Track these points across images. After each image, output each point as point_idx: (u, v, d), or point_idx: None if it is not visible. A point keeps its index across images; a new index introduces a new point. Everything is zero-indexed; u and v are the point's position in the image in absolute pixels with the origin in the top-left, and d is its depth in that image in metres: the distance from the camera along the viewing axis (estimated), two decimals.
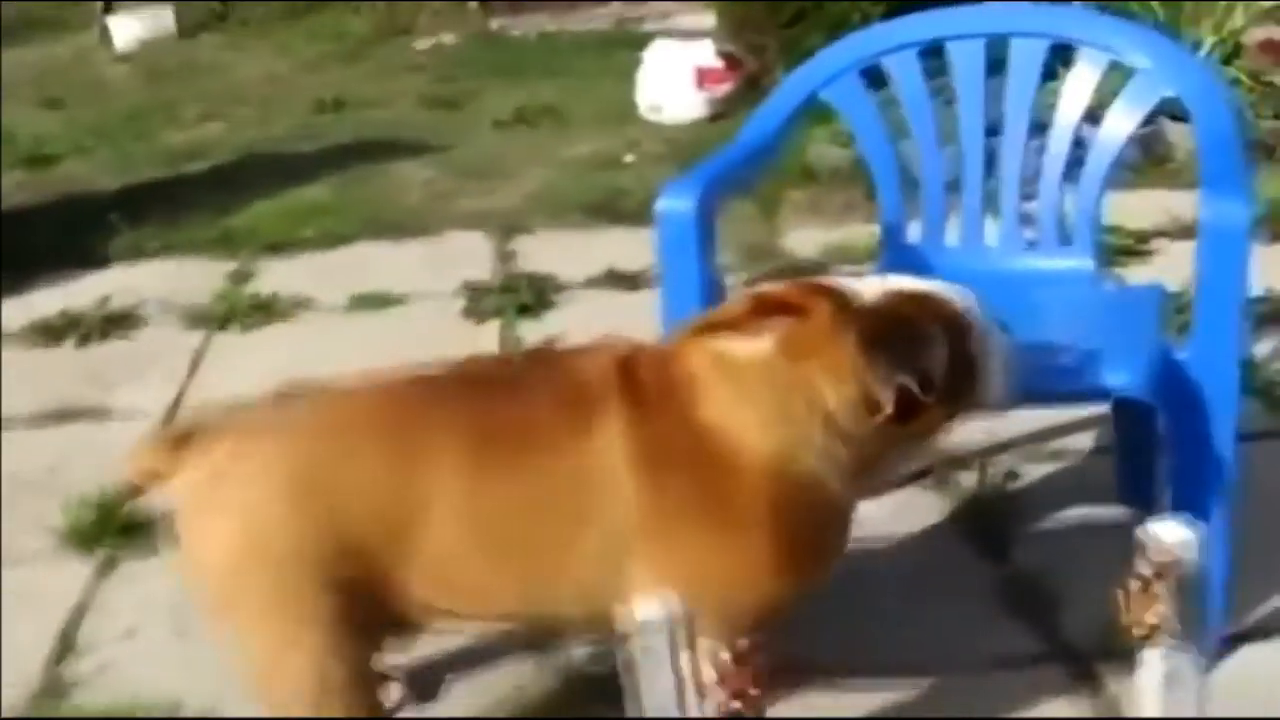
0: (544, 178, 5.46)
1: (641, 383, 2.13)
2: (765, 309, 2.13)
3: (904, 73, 2.86)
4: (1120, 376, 2.40)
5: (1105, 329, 2.58)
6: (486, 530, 2.11)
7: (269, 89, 7.19)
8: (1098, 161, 2.80)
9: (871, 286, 2.14)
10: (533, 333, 4.08)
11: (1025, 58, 2.82)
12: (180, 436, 2.17)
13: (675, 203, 2.58)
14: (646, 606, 1.65)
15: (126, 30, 8.53)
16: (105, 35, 8.55)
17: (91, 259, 4.84)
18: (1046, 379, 2.40)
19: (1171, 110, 3.12)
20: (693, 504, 2.08)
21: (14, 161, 6.09)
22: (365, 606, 2.12)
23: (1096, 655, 2.54)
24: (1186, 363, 2.45)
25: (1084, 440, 3.23)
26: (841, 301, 2.09)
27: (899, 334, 2.06)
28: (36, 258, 4.82)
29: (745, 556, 2.08)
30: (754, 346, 2.09)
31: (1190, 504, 2.39)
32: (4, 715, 2.64)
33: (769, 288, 2.19)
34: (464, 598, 2.17)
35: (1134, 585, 1.67)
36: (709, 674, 1.73)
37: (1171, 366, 2.45)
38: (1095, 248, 2.84)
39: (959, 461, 3.18)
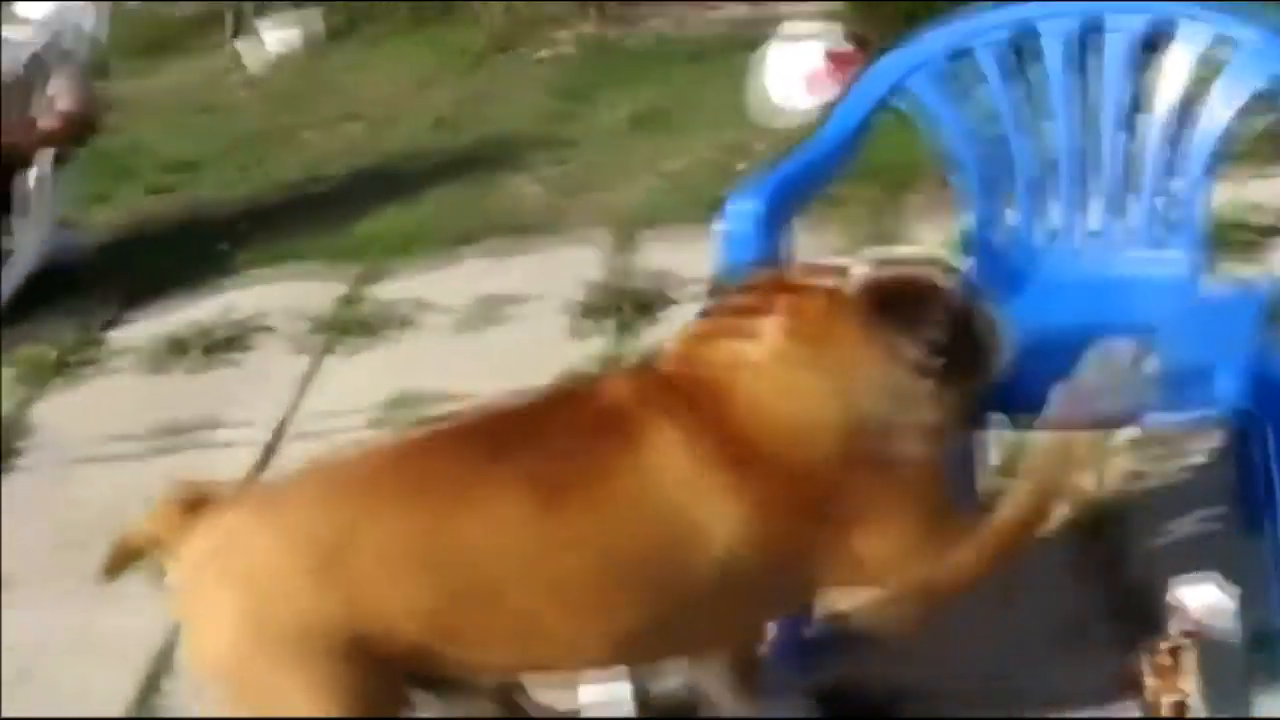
0: (657, 187, 5.39)
1: (671, 404, 2.06)
2: (756, 299, 2.12)
3: (993, 62, 2.73)
4: (1209, 390, 2.27)
5: (1199, 337, 2.43)
6: (570, 578, 2.02)
7: (388, 106, 7.20)
8: (1198, 151, 2.66)
9: (858, 266, 2.13)
10: (644, 342, 4.00)
11: (1120, 39, 2.67)
12: (192, 503, 2.07)
13: (742, 206, 2.49)
14: (597, 689, 1.56)
15: (256, 52, 8.60)
16: (237, 59, 8.62)
17: (205, 282, 4.87)
18: (1133, 393, 2.28)
19: None
20: (802, 491, 2.04)
21: (138, 187, 6.16)
22: (392, 678, 2.03)
23: None
24: None
25: (1213, 440, 3.06)
26: (836, 283, 2.09)
27: (898, 294, 2.09)
28: (151, 282, 4.86)
29: (880, 519, 2.07)
30: (764, 344, 2.07)
31: None
32: None
33: (755, 280, 2.17)
34: (553, 654, 2.08)
35: (1160, 652, 1.53)
36: None
37: (1272, 379, 2.31)
38: (1197, 245, 2.69)
39: None
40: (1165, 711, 1.53)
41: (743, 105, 6.01)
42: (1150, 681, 1.53)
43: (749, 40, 6.79)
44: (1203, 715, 1.55)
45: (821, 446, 2.06)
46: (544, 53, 7.82)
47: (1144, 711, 1.56)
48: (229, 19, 8.76)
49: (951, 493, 2.18)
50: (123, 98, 7.77)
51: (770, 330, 2.09)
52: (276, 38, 8.59)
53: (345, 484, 2.09)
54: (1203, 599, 1.55)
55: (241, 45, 8.61)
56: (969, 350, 2.15)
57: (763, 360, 2.08)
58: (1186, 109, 2.65)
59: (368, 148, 6.52)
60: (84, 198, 5.92)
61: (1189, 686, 1.53)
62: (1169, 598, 1.58)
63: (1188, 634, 1.54)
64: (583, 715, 1.56)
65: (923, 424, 2.09)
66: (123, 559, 2.13)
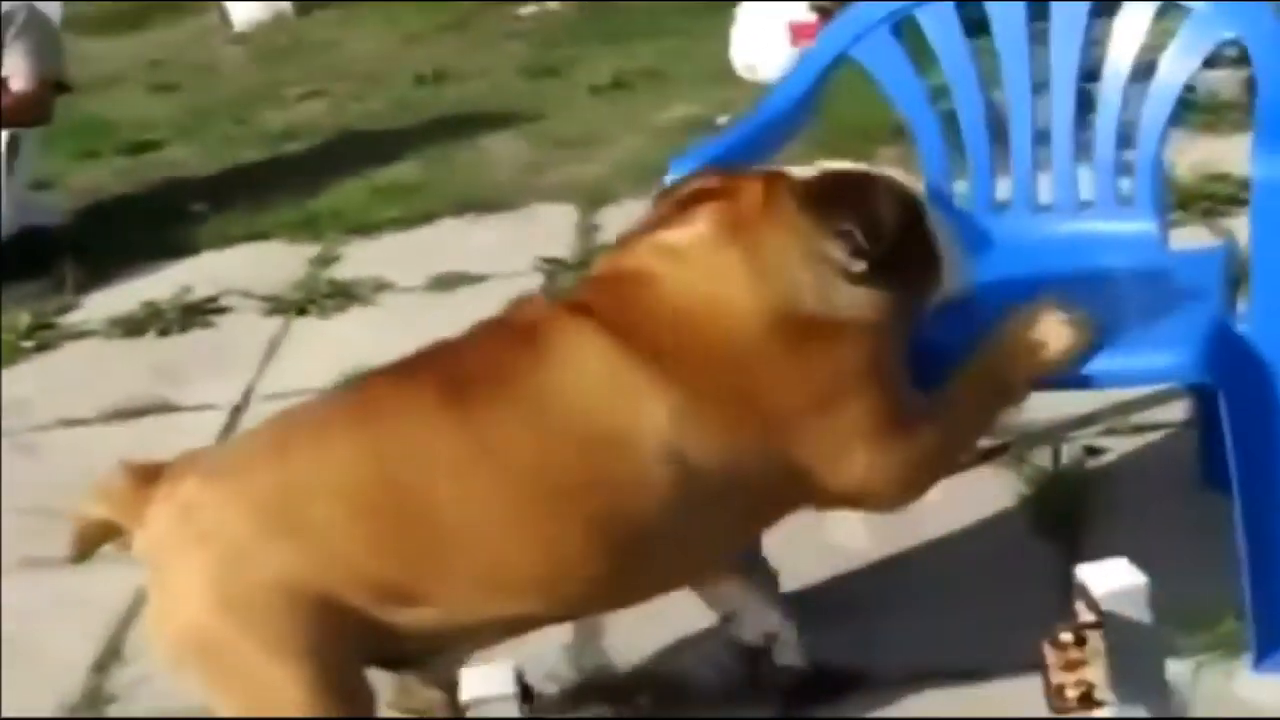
0: (635, 145, 5.33)
1: (593, 303, 2.06)
2: (691, 203, 2.10)
3: (941, 26, 2.67)
4: (1168, 356, 2.23)
5: (1160, 300, 2.39)
6: (503, 493, 1.99)
7: (373, 64, 7.14)
8: (1153, 112, 2.61)
9: (808, 169, 2.12)
10: None
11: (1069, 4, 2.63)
12: (144, 477, 2.06)
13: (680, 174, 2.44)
14: (485, 680, 1.53)
15: (244, 11, 8.55)
16: (224, 17, 8.57)
17: (178, 248, 4.84)
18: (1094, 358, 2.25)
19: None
20: (732, 383, 2.01)
21: (117, 148, 6.12)
22: (364, 631, 2.01)
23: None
24: (1245, 337, 2.26)
25: (1173, 412, 3.02)
26: (773, 178, 2.07)
27: (836, 187, 2.06)
28: (124, 248, 4.83)
29: (828, 418, 2.03)
30: (692, 230, 2.06)
31: (1256, 496, 2.23)
32: None
33: (688, 185, 2.16)
34: (515, 601, 2.03)
35: (1065, 639, 1.49)
36: None
37: (1230, 341, 2.27)
38: (1156, 209, 2.65)
39: (1034, 437, 3.01)
40: (1071, 700, 1.50)
41: (727, 60, 5.95)
42: (1054, 669, 1.49)
43: None
44: (1111, 703, 1.51)
45: (747, 333, 2.02)
46: (530, 8, 7.75)
47: (1048, 700, 1.52)
48: None
49: (903, 394, 2.13)
50: (107, 55, 7.77)
51: (700, 218, 2.07)
52: None
53: (292, 438, 2.08)
54: (1110, 581, 1.51)
55: (230, 3, 8.56)
56: (917, 257, 2.12)
57: (688, 245, 2.06)
58: (1138, 74, 2.60)
59: (350, 107, 6.47)
60: (63, 160, 5.91)
61: (1095, 674, 1.49)
62: (1077, 575, 1.54)
63: (1093, 619, 1.49)
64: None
65: (860, 320, 2.05)
66: (86, 542, 2.13)
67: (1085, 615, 1.50)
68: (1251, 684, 2.26)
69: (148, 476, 2.06)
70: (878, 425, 2.07)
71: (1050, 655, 1.48)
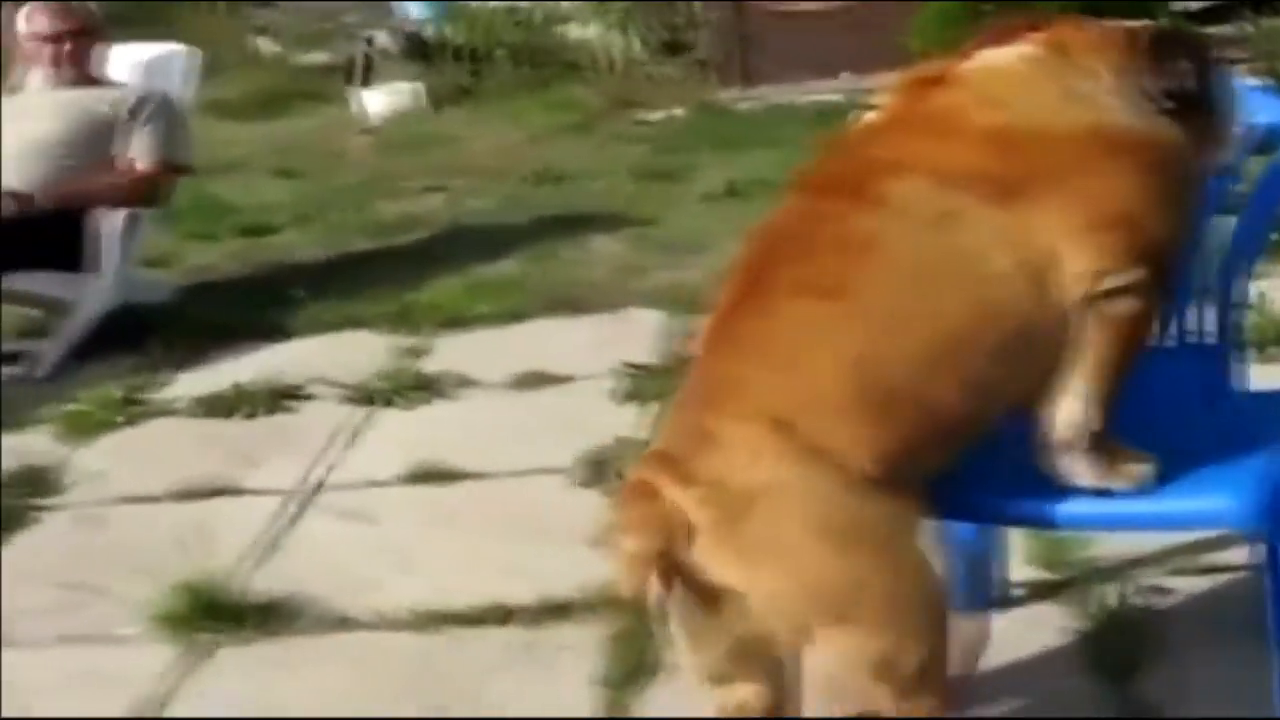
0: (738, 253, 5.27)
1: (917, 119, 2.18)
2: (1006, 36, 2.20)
3: None
4: (1221, 501, 2.12)
5: (1224, 442, 2.28)
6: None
7: (494, 160, 7.22)
8: (1237, 247, 2.51)
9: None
10: None
11: None
12: (641, 495, 2.06)
13: None
14: None
15: (378, 103, 8.70)
16: (359, 108, 8.73)
17: (273, 331, 4.87)
18: (1142, 498, 2.15)
19: None
20: (1056, 173, 2.08)
21: (232, 230, 6.22)
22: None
23: None
24: None
25: (1243, 554, 2.88)
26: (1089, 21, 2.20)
27: (1156, 34, 2.19)
28: (222, 329, 4.88)
29: (1122, 195, 2.09)
30: (1020, 51, 2.16)
31: None
32: None
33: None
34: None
35: None
36: None
37: None
38: (1228, 339, 2.54)
39: (1099, 574, 2.89)
40: None
41: None
42: None
43: (863, 109, 6.69)
44: None
45: (1068, 142, 2.10)
46: (655, 115, 7.80)
47: None
48: (355, 69, 8.88)
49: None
50: (239, 140, 7.94)
51: (1027, 41, 2.17)
52: (399, 90, 8.68)
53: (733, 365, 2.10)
54: None
55: (365, 94, 8.72)
56: (1209, 116, 2.21)
57: (1010, 63, 2.16)
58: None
59: (465, 202, 6.52)
60: (179, 239, 6.02)
61: None
62: None
63: None
64: None
65: (1168, 144, 2.14)
66: (641, 576, 2.04)
67: None
68: None
69: (644, 492, 2.05)
70: (1149, 245, 2.11)
71: None
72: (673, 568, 2.01)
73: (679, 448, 2.08)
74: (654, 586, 2.00)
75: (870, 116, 5.29)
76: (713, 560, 2.02)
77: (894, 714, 2.09)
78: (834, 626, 2.03)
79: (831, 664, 2.07)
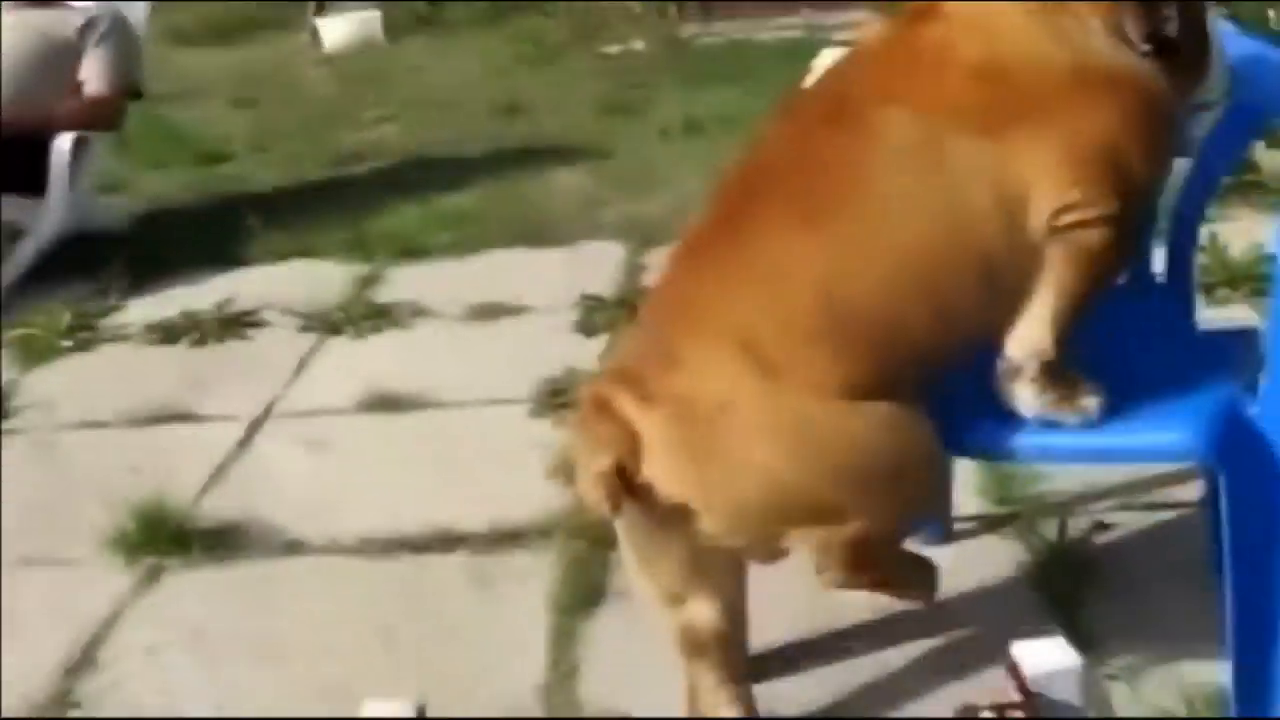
0: (696, 188, 5.26)
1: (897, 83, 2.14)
2: None
3: None
4: (1172, 434, 2.14)
5: (1177, 378, 2.29)
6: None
7: (452, 93, 7.17)
8: (1192, 191, 2.52)
9: None
10: None
11: None
12: (599, 408, 2.07)
13: None
14: (385, 711, 1.47)
15: (335, 32, 8.63)
16: (315, 37, 8.66)
17: (227, 260, 4.85)
18: (1094, 431, 2.16)
19: None
20: (1039, 107, 2.10)
21: (189, 159, 6.17)
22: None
23: None
24: (1255, 421, 2.16)
25: (1190, 491, 2.91)
26: None
27: None
28: (175, 257, 4.85)
29: (1099, 130, 2.10)
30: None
31: (1249, 586, 2.13)
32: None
33: None
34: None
35: (985, 717, 1.41)
36: None
37: (1238, 422, 2.17)
38: (1188, 284, 2.56)
39: (1044, 508, 2.91)
40: None
41: None
42: None
43: (824, 45, 6.67)
44: None
45: (1049, 79, 2.11)
46: (614, 48, 7.75)
47: None
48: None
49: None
50: (194, 68, 7.87)
51: None
52: (357, 19, 8.61)
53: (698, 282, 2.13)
54: (1043, 660, 1.43)
55: (322, 24, 8.64)
56: (1192, 52, 2.20)
57: (992, 11, 2.14)
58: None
59: (421, 133, 6.48)
60: (135, 167, 5.97)
61: None
62: (1012, 651, 1.46)
63: (1020, 700, 1.41)
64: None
65: (1146, 81, 2.14)
66: (616, 492, 2.04)
67: (1012, 694, 1.41)
68: None
69: (601, 409, 2.07)
70: (1123, 182, 2.12)
71: None
72: (627, 486, 2.01)
73: (641, 367, 2.10)
74: (609, 504, 2.01)
75: (835, 52, 5.28)
76: (672, 477, 2.03)
77: (830, 585, 2.15)
78: (799, 527, 2.06)
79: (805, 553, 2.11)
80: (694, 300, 2.13)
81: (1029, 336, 2.13)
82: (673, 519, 2.06)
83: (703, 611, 2.20)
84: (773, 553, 2.14)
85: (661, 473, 2.03)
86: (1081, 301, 2.13)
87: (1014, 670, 1.44)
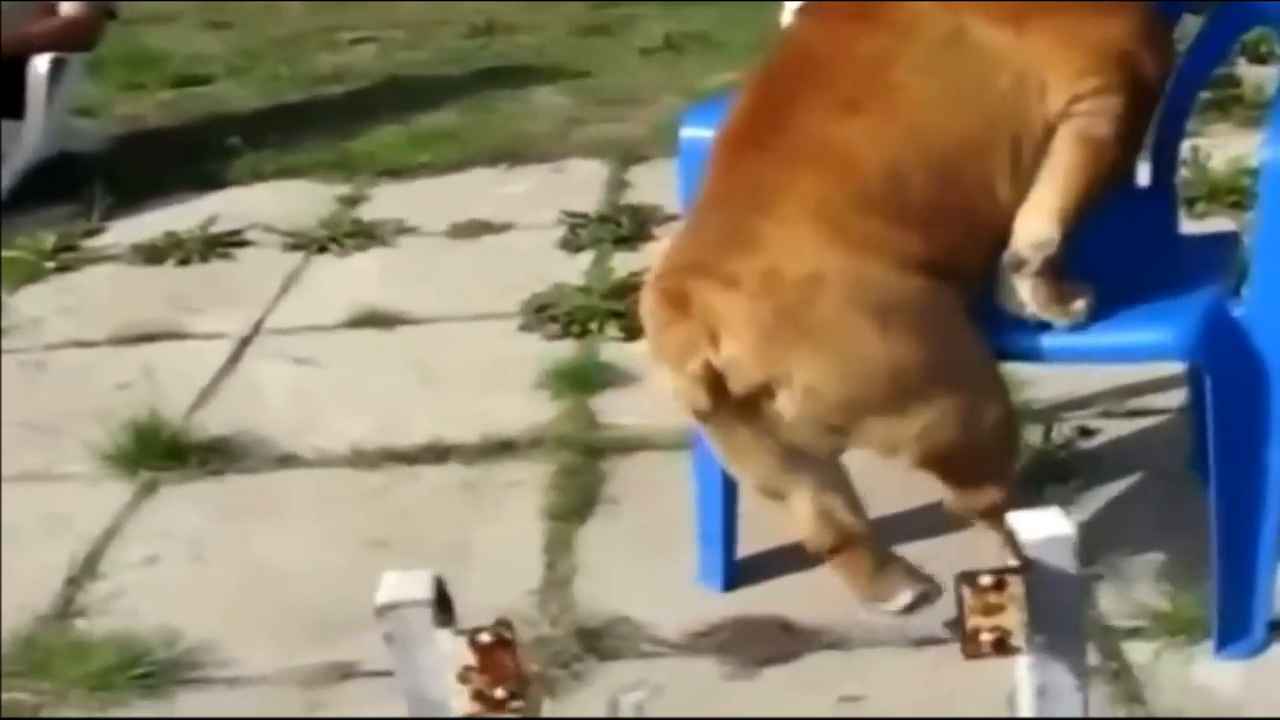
0: (676, 107, 5.26)
1: None
2: None
3: None
4: (1156, 333, 2.18)
5: (1161, 280, 2.33)
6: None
7: (429, 14, 7.12)
8: (1176, 94, 2.55)
9: None
10: (628, 265, 3.93)
11: None
12: (676, 304, 2.08)
13: (696, 131, 2.41)
14: (400, 586, 1.50)
15: None
16: None
17: (209, 181, 4.85)
18: (1082, 331, 2.20)
19: None
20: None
21: (164, 81, 6.15)
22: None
23: (1126, 635, 2.32)
24: (1241, 321, 2.20)
25: (1172, 398, 2.96)
26: None
27: None
28: (156, 179, 4.85)
29: (1114, 27, 2.16)
30: None
31: (1234, 484, 2.18)
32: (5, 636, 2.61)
33: None
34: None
35: (984, 581, 1.45)
36: None
37: (1222, 323, 2.21)
38: (1172, 187, 2.59)
39: (1028, 416, 2.95)
40: (985, 645, 1.46)
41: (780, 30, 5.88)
42: (971, 613, 1.45)
43: None
44: (1025, 649, 1.48)
45: None
46: None
47: (962, 644, 1.48)
48: None
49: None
50: None
51: None
52: None
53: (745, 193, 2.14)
54: (1039, 529, 1.47)
55: None
56: None
57: None
58: None
59: (399, 54, 6.46)
60: (110, 89, 5.95)
61: (1012, 621, 1.45)
62: (1008, 522, 1.50)
63: (1017, 565, 1.46)
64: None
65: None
66: (714, 389, 2.05)
67: (1009, 560, 1.46)
68: (1211, 669, 2.21)
69: (679, 305, 2.07)
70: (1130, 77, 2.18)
71: (968, 597, 1.45)
72: (716, 380, 2.03)
73: (716, 254, 2.10)
74: (709, 403, 2.03)
75: None
76: (756, 356, 2.03)
77: (955, 508, 2.18)
78: (881, 414, 2.08)
79: (881, 451, 2.13)
80: (760, 184, 2.14)
81: (1036, 228, 2.16)
82: (752, 406, 2.07)
83: (812, 504, 2.23)
84: (839, 449, 2.17)
85: (746, 352, 2.03)
86: (1086, 195, 2.17)
87: (1010, 538, 1.49)
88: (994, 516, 2.02)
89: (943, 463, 2.15)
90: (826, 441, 2.13)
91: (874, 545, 2.31)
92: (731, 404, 2.07)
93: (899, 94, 2.14)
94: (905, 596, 2.30)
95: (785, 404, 2.06)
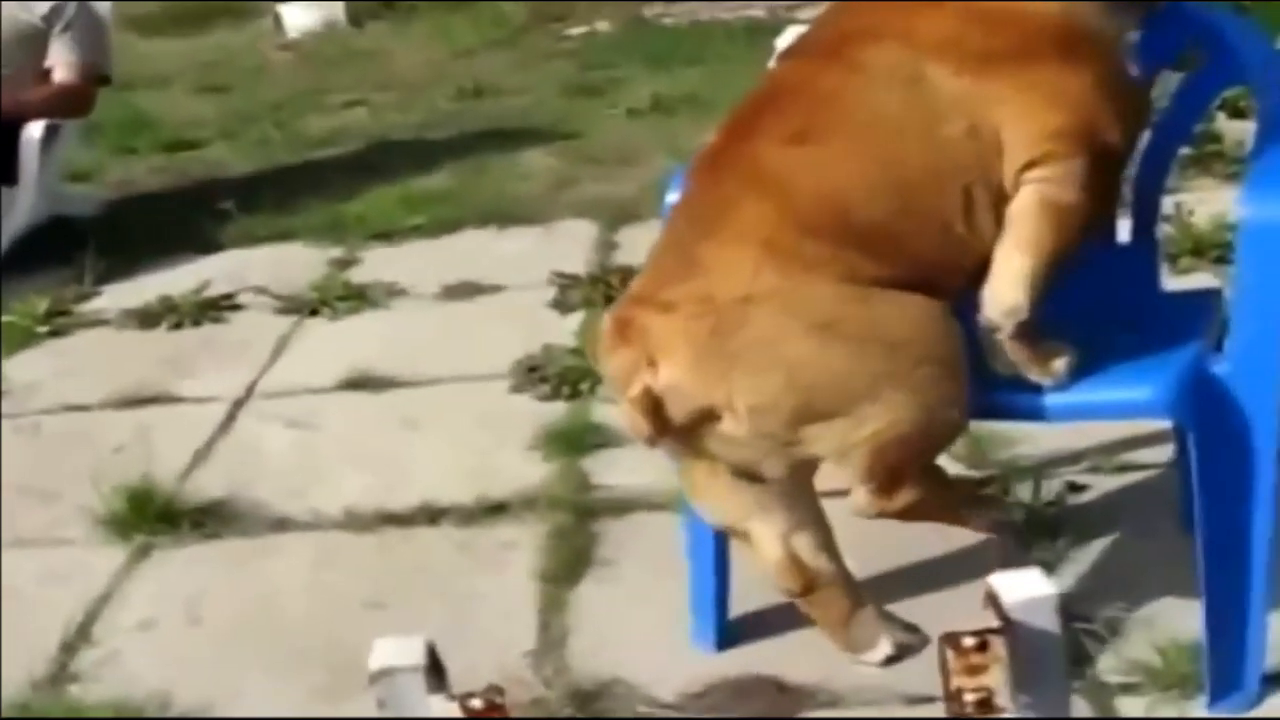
0: (666, 167, 5.32)
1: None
2: None
3: None
4: (1139, 391, 2.20)
5: (1143, 338, 2.36)
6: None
7: (418, 76, 7.20)
8: (1154, 156, 2.59)
9: None
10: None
11: None
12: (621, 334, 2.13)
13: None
14: (393, 652, 1.52)
15: (298, 17, 8.64)
16: (278, 23, 8.66)
17: (202, 244, 4.88)
18: (1064, 390, 2.23)
19: None
20: (1021, 56, 2.18)
21: (157, 145, 6.19)
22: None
23: (1120, 690, 2.33)
24: (1223, 378, 2.23)
25: (1160, 453, 2.98)
26: None
27: None
28: (149, 243, 4.89)
29: (1077, 86, 2.17)
30: None
31: (1220, 539, 2.20)
32: (2, 703, 2.62)
33: None
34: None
35: (967, 642, 1.47)
36: None
37: (1204, 380, 2.23)
38: (1153, 243, 2.62)
39: (1018, 472, 2.98)
40: (968, 706, 1.48)
41: None
42: (954, 673, 1.47)
43: (785, 24, 6.73)
44: (1010, 711, 1.49)
45: (1036, 26, 2.18)
46: (580, 29, 7.79)
47: (946, 703, 1.50)
48: None
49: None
50: (161, 55, 7.87)
51: None
52: (318, 4, 8.62)
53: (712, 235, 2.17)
54: (1020, 590, 1.49)
55: (285, 10, 8.65)
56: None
57: None
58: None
59: (390, 116, 6.51)
60: (104, 154, 5.99)
61: (995, 681, 1.47)
62: (989, 583, 1.53)
63: (1000, 626, 1.48)
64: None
65: (1111, 42, 2.24)
66: (654, 415, 2.09)
67: (992, 622, 1.48)
68: None
69: (622, 332, 2.13)
70: (1095, 140, 2.19)
71: (951, 658, 1.47)
72: (657, 405, 2.07)
73: (659, 282, 2.16)
74: (652, 426, 2.07)
75: (798, 30, 5.35)
76: (695, 378, 2.07)
77: (867, 511, 2.20)
78: (830, 421, 2.10)
79: (833, 458, 2.15)
80: (707, 210, 2.20)
81: (1004, 296, 2.18)
82: (701, 433, 2.10)
83: (780, 544, 2.26)
84: (794, 465, 2.17)
85: (683, 375, 2.07)
86: (1053, 259, 2.19)
87: (993, 600, 1.51)
88: (909, 519, 2.15)
89: (887, 465, 2.16)
90: (781, 457, 2.15)
91: (848, 588, 2.33)
92: (680, 431, 2.11)
93: (847, 127, 2.19)
94: (885, 647, 2.31)
95: (731, 425, 2.09)
